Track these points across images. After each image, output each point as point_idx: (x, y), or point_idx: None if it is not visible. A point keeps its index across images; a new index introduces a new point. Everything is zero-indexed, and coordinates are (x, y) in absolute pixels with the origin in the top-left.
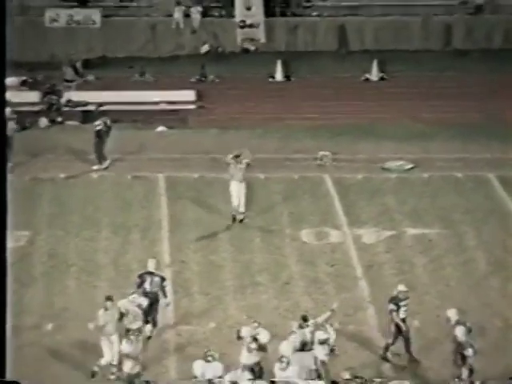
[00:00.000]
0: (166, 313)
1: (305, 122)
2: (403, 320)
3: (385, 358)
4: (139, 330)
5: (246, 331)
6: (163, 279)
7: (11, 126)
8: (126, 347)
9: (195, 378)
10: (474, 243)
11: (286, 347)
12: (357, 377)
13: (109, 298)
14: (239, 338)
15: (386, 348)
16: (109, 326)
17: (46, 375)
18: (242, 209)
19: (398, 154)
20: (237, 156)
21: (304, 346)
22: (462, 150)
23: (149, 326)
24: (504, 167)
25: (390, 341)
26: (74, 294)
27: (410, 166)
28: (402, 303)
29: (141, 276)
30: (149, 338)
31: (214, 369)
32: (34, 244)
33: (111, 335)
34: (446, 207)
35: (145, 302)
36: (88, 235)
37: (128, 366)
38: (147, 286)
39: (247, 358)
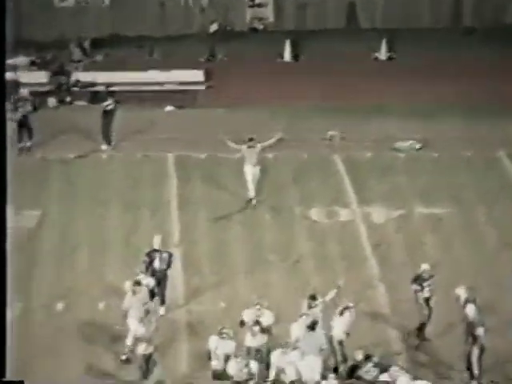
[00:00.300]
0: (174, 289)
1: (313, 101)
2: (427, 300)
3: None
4: (148, 311)
5: (248, 315)
6: (171, 255)
7: (27, 107)
8: (138, 329)
9: (208, 353)
10: (484, 221)
11: (296, 329)
12: (369, 356)
13: (137, 283)
14: (242, 323)
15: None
16: (135, 309)
17: (56, 354)
18: (252, 193)
19: (407, 133)
20: (250, 139)
21: (314, 325)
22: (472, 129)
23: (158, 305)
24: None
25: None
26: (83, 273)
27: (419, 145)
28: (425, 283)
29: (149, 254)
30: (161, 316)
31: (227, 346)
32: (44, 223)
33: (135, 319)
34: (456, 186)
35: (152, 282)
36: (98, 214)
37: (142, 348)
38: (157, 263)
39: (251, 341)
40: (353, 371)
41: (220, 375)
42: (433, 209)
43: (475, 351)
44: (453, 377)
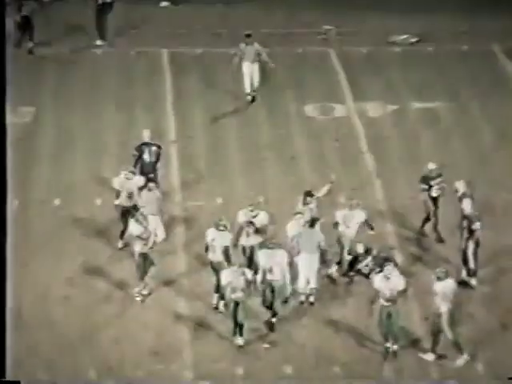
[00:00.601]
0: (170, 186)
1: None
2: (435, 199)
3: (423, 234)
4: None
5: (242, 215)
6: (160, 147)
7: (30, 6)
8: (134, 228)
9: (206, 246)
10: (480, 116)
11: (291, 228)
12: (368, 249)
13: (152, 179)
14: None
15: (424, 223)
16: (149, 206)
17: (53, 250)
18: (254, 88)
19: (403, 28)
20: (248, 35)
21: (314, 222)
22: (467, 23)
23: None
24: (510, 38)
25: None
26: (80, 169)
27: (415, 39)
28: (433, 182)
29: (138, 148)
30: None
31: (223, 238)
32: (38, 120)
33: (151, 215)
34: (452, 80)
35: (141, 180)
36: (93, 111)
37: (139, 246)
38: (146, 156)
39: (246, 240)
40: (352, 264)
41: (217, 266)
42: (428, 103)
43: (471, 246)
44: (450, 271)
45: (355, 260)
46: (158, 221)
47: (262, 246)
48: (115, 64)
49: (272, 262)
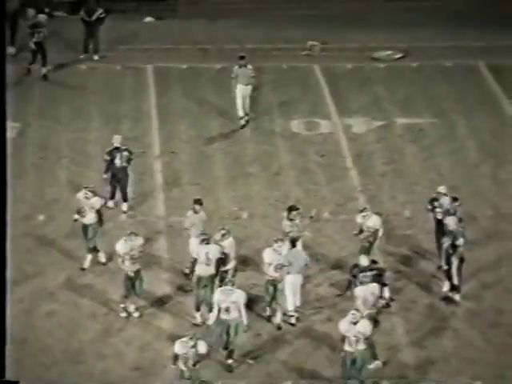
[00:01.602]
0: (154, 201)
1: (295, 11)
2: (440, 221)
3: None
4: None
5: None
6: (131, 153)
7: (42, 34)
8: (121, 247)
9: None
10: (465, 132)
11: (268, 255)
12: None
13: (197, 202)
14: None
15: None
16: (195, 228)
17: (37, 265)
18: (247, 111)
19: (388, 43)
20: (241, 57)
21: (295, 242)
22: (452, 39)
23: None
24: (494, 55)
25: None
26: (64, 185)
27: (399, 55)
28: (437, 203)
29: (110, 153)
30: (124, 212)
31: (209, 250)
32: (24, 135)
33: (196, 237)
34: (436, 96)
35: (98, 201)
36: (78, 126)
37: (126, 265)
38: (118, 161)
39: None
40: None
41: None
42: (413, 119)
43: (455, 261)
44: (432, 286)
45: (358, 270)
46: None
47: (222, 284)
48: (100, 79)
49: (229, 301)
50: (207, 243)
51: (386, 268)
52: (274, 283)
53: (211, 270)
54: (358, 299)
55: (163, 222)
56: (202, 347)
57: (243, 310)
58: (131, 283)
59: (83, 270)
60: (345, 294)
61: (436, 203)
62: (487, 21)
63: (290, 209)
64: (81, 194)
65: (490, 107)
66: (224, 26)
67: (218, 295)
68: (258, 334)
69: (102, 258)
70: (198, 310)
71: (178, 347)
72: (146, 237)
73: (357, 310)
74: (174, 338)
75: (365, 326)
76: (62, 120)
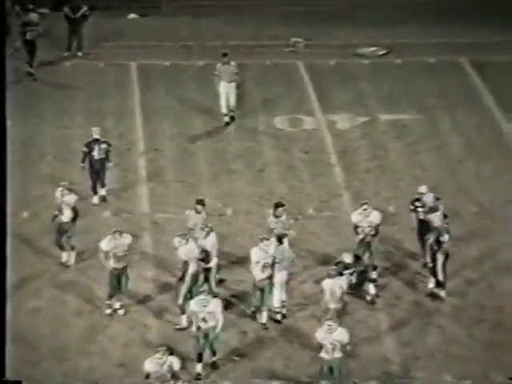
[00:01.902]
0: (139, 198)
1: (278, 8)
2: (422, 221)
3: None
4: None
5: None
6: (109, 145)
7: (34, 32)
8: (105, 244)
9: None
10: (448, 128)
11: (255, 254)
12: (357, 259)
13: (199, 202)
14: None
15: None
16: (197, 228)
17: (21, 262)
18: (231, 108)
19: (371, 40)
20: (224, 54)
21: (281, 238)
22: (435, 35)
23: (95, 198)
24: (477, 51)
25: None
26: (48, 181)
27: (383, 51)
28: (419, 203)
29: (88, 145)
30: (103, 199)
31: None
32: (8, 132)
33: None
34: (420, 92)
35: (73, 198)
36: (62, 123)
37: (110, 263)
38: (95, 153)
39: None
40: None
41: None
42: (397, 115)
43: (440, 258)
44: (417, 283)
45: (343, 267)
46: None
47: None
48: (84, 76)
49: (205, 312)
50: (186, 243)
51: (370, 264)
52: (262, 287)
53: (192, 268)
54: (326, 292)
55: (148, 218)
56: (176, 364)
57: (221, 319)
58: (116, 281)
59: (67, 266)
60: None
61: (418, 203)
62: (470, 17)
63: (276, 205)
64: (57, 192)
65: (474, 103)
66: (207, 22)
67: (194, 306)
68: (244, 332)
69: (72, 258)
70: (183, 313)
71: (149, 365)
72: (131, 233)
73: (332, 320)
74: (159, 336)
75: (342, 335)
76: (45, 117)
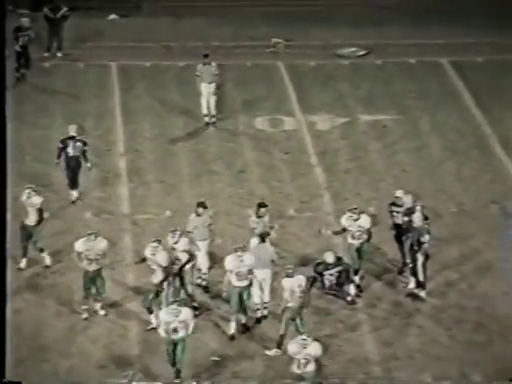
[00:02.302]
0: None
1: (259, 8)
2: (398, 225)
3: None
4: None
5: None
6: (85, 144)
7: (27, 38)
8: (80, 245)
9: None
10: (428, 128)
11: (229, 262)
12: (338, 259)
13: (201, 204)
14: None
15: None
16: (198, 230)
17: None
18: (212, 111)
19: (351, 40)
20: (206, 55)
21: (264, 237)
22: (415, 36)
23: (74, 192)
24: (457, 52)
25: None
26: (28, 182)
27: (363, 52)
28: (396, 209)
29: (63, 141)
30: (73, 202)
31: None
32: None
33: (200, 240)
34: (400, 93)
35: (38, 199)
36: (42, 124)
37: (83, 264)
38: (70, 150)
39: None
40: (321, 274)
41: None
42: (377, 116)
43: (420, 258)
44: (398, 283)
45: (324, 267)
46: (206, 247)
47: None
48: (64, 77)
49: (177, 321)
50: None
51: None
52: (240, 292)
53: (158, 278)
54: (285, 291)
55: (128, 219)
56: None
57: (191, 328)
58: (91, 283)
59: (47, 267)
60: (309, 291)
61: (394, 208)
62: (450, 18)
63: (259, 206)
64: (23, 194)
65: (454, 104)
66: (188, 23)
67: (165, 315)
68: (224, 332)
69: (47, 260)
70: (150, 312)
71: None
72: (111, 234)
73: (306, 336)
74: (139, 338)
75: (315, 349)
76: (25, 118)
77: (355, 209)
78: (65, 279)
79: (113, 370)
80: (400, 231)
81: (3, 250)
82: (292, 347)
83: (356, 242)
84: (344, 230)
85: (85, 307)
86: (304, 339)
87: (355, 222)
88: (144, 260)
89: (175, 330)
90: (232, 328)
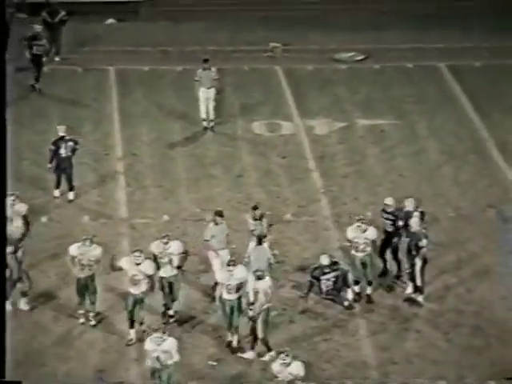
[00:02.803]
0: (117, 203)
1: (256, 13)
2: (388, 232)
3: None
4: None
5: (156, 246)
6: (76, 143)
7: (41, 47)
8: (74, 249)
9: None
10: (426, 133)
11: (220, 274)
12: (334, 263)
13: (218, 213)
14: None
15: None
16: (216, 239)
17: None
18: (211, 116)
19: (349, 45)
20: (205, 60)
21: (261, 240)
22: (413, 40)
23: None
24: (455, 56)
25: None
26: (25, 187)
27: (361, 56)
28: (386, 215)
29: (55, 143)
30: (70, 201)
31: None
32: None
33: (218, 250)
34: (398, 97)
35: (22, 207)
36: (40, 128)
37: (76, 269)
38: (62, 151)
39: (163, 272)
40: (318, 278)
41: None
42: (375, 120)
43: (418, 263)
44: (396, 288)
45: (321, 272)
46: (226, 256)
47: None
48: (62, 81)
49: (160, 350)
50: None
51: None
52: (231, 304)
53: (142, 287)
54: (260, 293)
55: (126, 223)
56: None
57: (176, 357)
58: (83, 289)
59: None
60: (307, 295)
61: (384, 215)
62: (448, 23)
63: (253, 208)
64: (8, 201)
65: (451, 109)
66: (185, 28)
67: (148, 344)
68: (219, 336)
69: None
70: (131, 327)
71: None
72: (109, 238)
73: (288, 352)
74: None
75: (298, 368)
76: (23, 122)
77: (363, 219)
78: (62, 283)
79: (110, 374)
80: (388, 237)
81: (3, 251)
82: (275, 366)
83: (360, 255)
84: (350, 241)
85: (81, 312)
86: (285, 359)
87: (362, 234)
88: (120, 269)
89: (158, 359)
90: (229, 336)
